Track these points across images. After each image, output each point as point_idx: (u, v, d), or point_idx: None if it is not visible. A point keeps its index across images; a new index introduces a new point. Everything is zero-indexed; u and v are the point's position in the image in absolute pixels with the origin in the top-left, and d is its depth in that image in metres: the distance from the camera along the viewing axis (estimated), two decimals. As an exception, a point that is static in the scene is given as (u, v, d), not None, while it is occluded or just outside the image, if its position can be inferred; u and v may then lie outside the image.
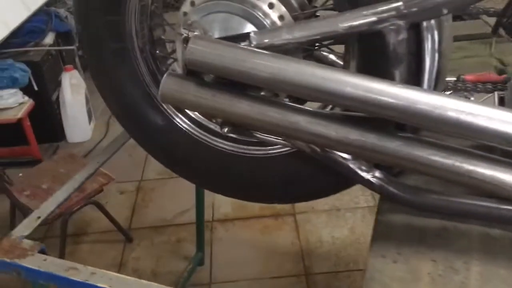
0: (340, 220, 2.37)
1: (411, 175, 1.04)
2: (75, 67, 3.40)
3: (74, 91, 3.23)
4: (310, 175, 1.10)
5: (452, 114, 0.74)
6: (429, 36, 0.85)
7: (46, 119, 3.18)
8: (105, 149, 1.36)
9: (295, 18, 1.00)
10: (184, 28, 0.98)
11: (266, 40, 0.90)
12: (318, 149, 0.96)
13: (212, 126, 1.19)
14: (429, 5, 0.77)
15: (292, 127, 0.88)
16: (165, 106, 1.20)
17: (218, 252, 2.29)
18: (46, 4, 3.45)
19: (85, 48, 1.17)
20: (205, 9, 1.02)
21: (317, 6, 1.09)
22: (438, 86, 0.91)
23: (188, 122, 1.20)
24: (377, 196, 1.07)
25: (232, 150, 1.17)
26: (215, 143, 1.18)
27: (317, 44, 1.04)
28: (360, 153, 0.88)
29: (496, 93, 1.08)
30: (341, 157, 0.96)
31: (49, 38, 3.27)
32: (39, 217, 1.10)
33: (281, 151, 1.11)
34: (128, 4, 1.09)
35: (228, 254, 2.28)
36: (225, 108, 0.91)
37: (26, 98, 2.89)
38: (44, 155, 3.12)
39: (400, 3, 0.78)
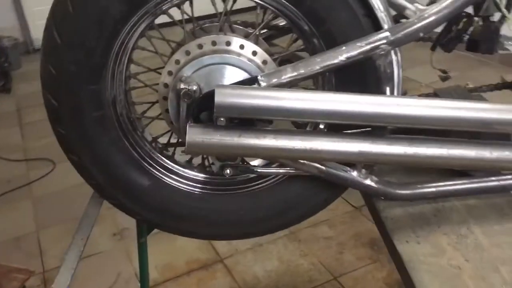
0: (266, 254, 2.49)
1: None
2: None
3: None
4: (303, 196, 1.22)
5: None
6: (397, 56, 1.06)
7: None
8: (79, 226, 1.29)
9: (274, 61, 1.14)
10: (184, 84, 1.06)
11: (275, 80, 1.02)
12: (324, 168, 1.10)
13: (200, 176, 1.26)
14: (411, 31, 0.98)
15: (316, 149, 1.00)
16: (150, 167, 1.22)
17: (160, 321, 2.21)
18: None
19: (63, 124, 1.13)
20: (195, 65, 1.10)
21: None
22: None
23: (176, 178, 1.24)
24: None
25: (227, 192, 1.24)
26: (206, 191, 1.24)
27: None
28: (375, 160, 1.05)
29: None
30: (344, 170, 1.11)
31: None
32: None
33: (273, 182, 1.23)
34: (107, 72, 1.11)
35: (172, 319, 2.21)
36: (252, 144, 0.99)
37: None
38: None
39: (387, 33, 0.99)
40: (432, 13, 0.99)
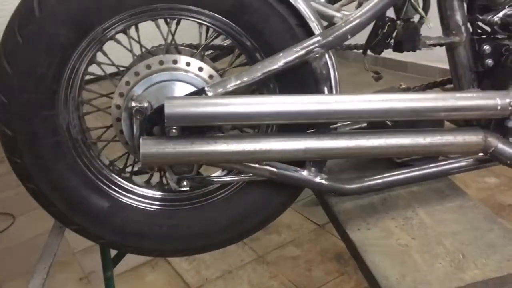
0: (237, 279, 2.49)
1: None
2: None
3: None
4: (259, 202, 1.27)
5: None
6: (331, 58, 1.15)
7: None
8: (41, 256, 1.29)
9: (221, 75, 1.22)
10: (135, 102, 1.11)
11: (220, 89, 1.09)
12: (275, 170, 1.17)
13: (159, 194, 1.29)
14: (339, 34, 1.08)
15: (265, 149, 1.07)
16: (108, 189, 1.25)
17: None
18: None
19: (19, 152, 1.15)
20: (145, 83, 1.16)
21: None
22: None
23: (135, 197, 1.27)
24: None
25: (188, 206, 1.28)
26: (166, 208, 1.28)
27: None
28: (321, 155, 1.12)
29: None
30: (295, 171, 1.18)
31: None
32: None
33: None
34: (59, 98, 1.15)
35: None
36: (205, 150, 1.05)
37: None
38: None
39: (319, 37, 1.08)
40: (356, 16, 1.09)
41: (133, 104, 1.11)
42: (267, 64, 1.09)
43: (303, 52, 1.08)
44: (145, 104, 1.11)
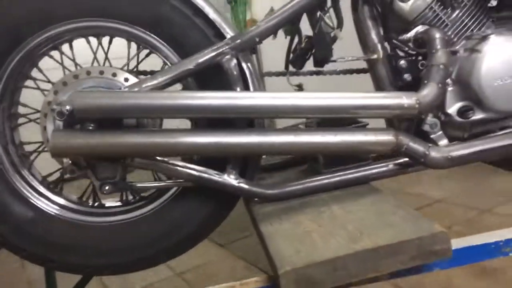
0: None
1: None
2: None
3: None
4: (187, 212, 1.27)
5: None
6: (245, 61, 1.20)
7: None
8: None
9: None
10: (56, 105, 1.17)
11: (136, 89, 1.15)
12: (195, 173, 1.18)
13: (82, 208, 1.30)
14: (247, 37, 1.16)
15: (173, 141, 1.09)
16: (32, 197, 1.26)
17: None
18: None
19: None
20: (70, 89, 1.22)
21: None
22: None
23: (61, 209, 1.28)
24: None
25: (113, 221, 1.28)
26: (93, 221, 1.28)
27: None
28: (233, 152, 1.14)
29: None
30: (215, 174, 1.19)
31: None
32: None
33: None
34: (-11, 107, 1.22)
35: None
36: (115, 141, 1.08)
37: None
38: None
39: (228, 41, 1.16)
40: (263, 22, 1.19)
41: (54, 107, 1.16)
42: (181, 65, 1.16)
43: (213, 54, 1.15)
44: (67, 107, 1.16)
